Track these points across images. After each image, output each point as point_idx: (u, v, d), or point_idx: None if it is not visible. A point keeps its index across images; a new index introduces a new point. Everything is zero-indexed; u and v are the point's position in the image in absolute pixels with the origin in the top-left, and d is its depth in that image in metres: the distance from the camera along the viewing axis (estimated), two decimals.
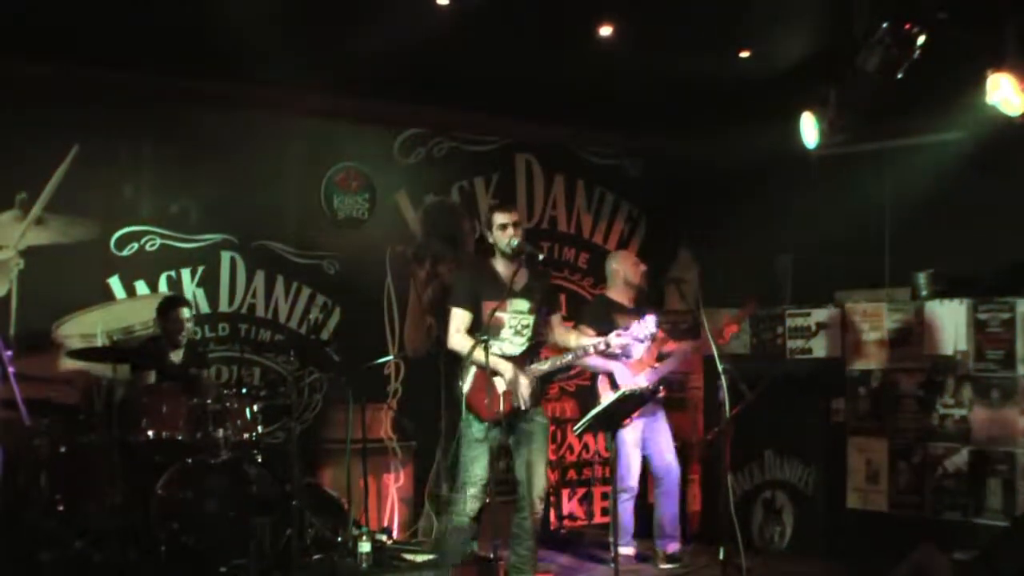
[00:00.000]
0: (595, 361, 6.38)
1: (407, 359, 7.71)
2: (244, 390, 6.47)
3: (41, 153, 6.55)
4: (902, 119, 6.82)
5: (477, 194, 8.10)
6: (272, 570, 5.73)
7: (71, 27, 5.97)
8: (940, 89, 6.05)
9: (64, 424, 5.96)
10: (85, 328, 6.61)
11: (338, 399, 7.12)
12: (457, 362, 5.44)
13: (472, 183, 8.11)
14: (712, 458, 7.20)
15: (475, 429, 5.32)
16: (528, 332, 5.48)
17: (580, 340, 5.66)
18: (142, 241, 6.89)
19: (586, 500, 8.16)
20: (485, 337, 5.20)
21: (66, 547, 5.56)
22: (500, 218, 5.44)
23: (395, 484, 7.58)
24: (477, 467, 5.33)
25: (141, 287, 6.88)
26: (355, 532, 6.47)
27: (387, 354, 7.50)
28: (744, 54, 6.62)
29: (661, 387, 6.49)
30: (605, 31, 6.30)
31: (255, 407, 6.24)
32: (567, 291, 8.41)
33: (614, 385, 6.34)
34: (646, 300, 6.79)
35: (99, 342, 6.50)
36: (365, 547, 6.25)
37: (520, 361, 5.41)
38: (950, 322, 6.49)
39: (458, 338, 5.41)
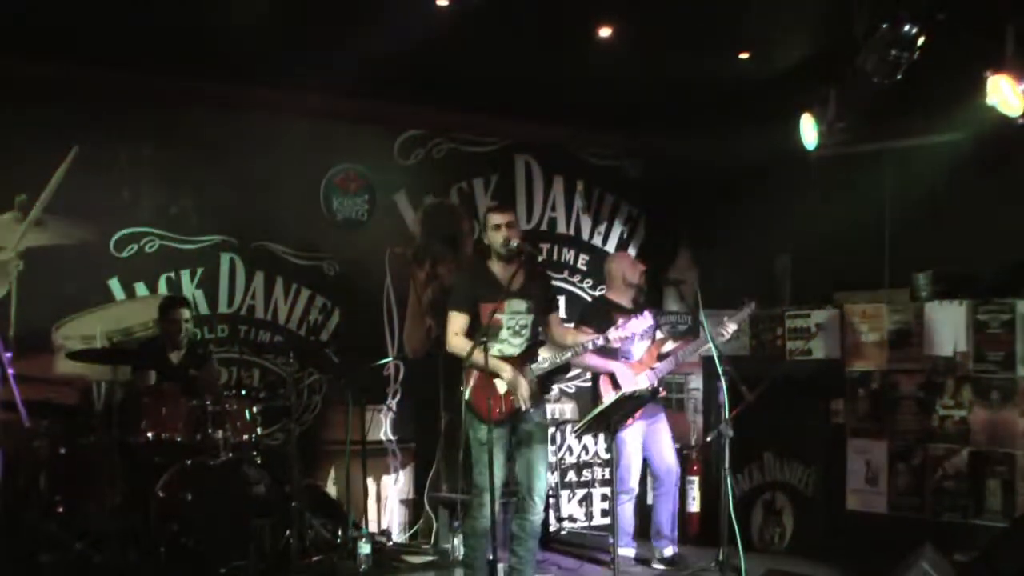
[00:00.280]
0: (595, 361, 6.38)
1: (406, 360, 7.71)
2: (244, 391, 6.48)
3: (41, 154, 6.54)
4: (902, 120, 6.82)
5: (476, 195, 8.10)
6: (271, 571, 5.73)
7: (71, 27, 5.97)
8: (940, 90, 6.06)
9: (64, 425, 5.96)
10: (85, 329, 6.61)
11: (337, 400, 7.13)
12: (457, 365, 5.44)
13: (471, 184, 8.11)
14: (712, 459, 7.21)
15: (480, 432, 5.31)
16: (526, 332, 5.47)
17: (578, 338, 5.66)
18: (141, 242, 6.88)
19: (585, 501, 8.16)
20: (484, 339, 5.19)
21: (66, 548, 5.57)
22: (494, 219, 5.45)
23: (395, 485, 7.59)
24: (493, 470, 5.29)
25: (141, 288, 6.88)
26: (354, 534, 6.48)
27: (386, 355, 7.51)
28: (744, 55, 6.62)
29: (661, 388, 6.48)
30: (604, 32, 6.29)
31: (255, 408, 6.24)
32: (567, 292, 8.43)
33: (616, 386, 6.34)
34: (646, 301, 6.79)
35: (99, 343, 6.50)
36: (365, 549, 6.26)
37: (519, 362, 5.41)
38: (950, 323, 6.49)
39: (456, 340, 5.41)
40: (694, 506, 7.47)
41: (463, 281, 5.68)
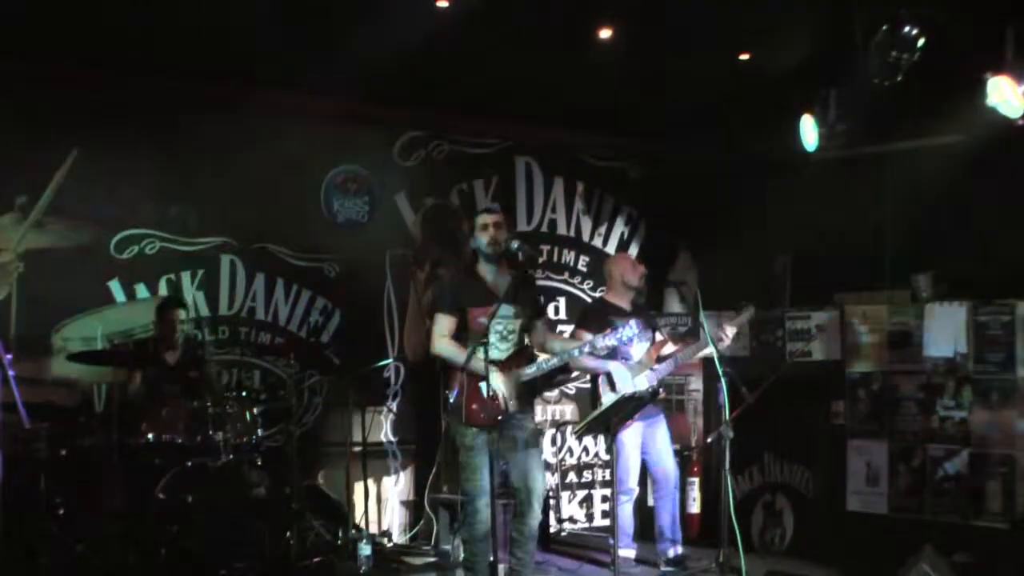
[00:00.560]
0: (591, 362, 6.37)
1: (407, 362, 7.71)
2: (244, 393, 6.48)
3: (41, 156, 6.54)
4: (902, 121, 6.82)
5: (477, 196, 8.09)
6: (272, 573, 5.73)
7: (71, 28, 5.97)
8: (940, 92, 6.06)
9: (64, 427, 5.96)
10: (85, 331, 6.60)
11: (338, 402, 7.13)
12: (445, 368, 5.42)
13: (472, 185, 8.11)
14: (712, 461, 7.21)
15: (467, 437, 5.29)
16: (514, 337, 5.42)
17: (565, 344, 5.64)
18: (142, 244, 6.88)
19: (586, 503, 8.16)
20: (485, 340, 5.16)
21: (66, 550, 5.56)
22: (480, 219, 5.43)
23: (395, 487, 7.59)
24: (482, 475, 5.28)
25: (141, 290, 6.87)
26: (355, 535, 6.48)
27: (387, 357, 7.50)
28: (744, 56, 6.63)
29: (661, 389, 6.47)
30: (604, 34, 6.30)
31: (255, 410, 6.24)
32: (567, 294, 8.43)
33: (613, 387, 6.34)
34: (646, 303, 6.79)
35: (99, 345, 6.50)
36: (365, 550, 6.26)
37: (506, 366, 5.36)
38: (950, 324, 6.49)
39: (442, 343, 5.38)
40: (694, 507, 7.48)
41: (451, 284, 5.64)
